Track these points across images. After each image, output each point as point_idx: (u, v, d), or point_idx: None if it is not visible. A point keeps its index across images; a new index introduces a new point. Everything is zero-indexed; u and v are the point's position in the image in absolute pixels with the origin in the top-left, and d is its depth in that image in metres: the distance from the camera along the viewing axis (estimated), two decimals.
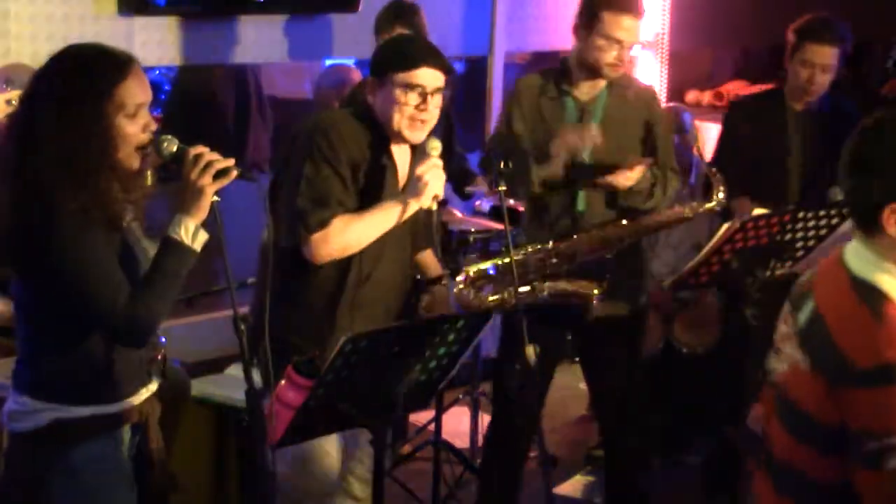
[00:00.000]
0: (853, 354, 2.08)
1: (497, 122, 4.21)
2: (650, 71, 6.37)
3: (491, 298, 3.86)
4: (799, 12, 4.55)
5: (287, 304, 3.35)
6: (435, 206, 3.34)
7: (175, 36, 4.96)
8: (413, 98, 3.32)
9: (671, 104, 5.85)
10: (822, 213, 3.76)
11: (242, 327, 2.79)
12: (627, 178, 3.91)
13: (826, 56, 4.37)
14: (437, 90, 3.35)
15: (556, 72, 4.05)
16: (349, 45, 5.48)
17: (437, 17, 5.47)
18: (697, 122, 5.70)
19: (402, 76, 3.33)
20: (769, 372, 2.36)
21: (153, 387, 3.01)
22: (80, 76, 2.72)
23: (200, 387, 4.14)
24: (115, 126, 2.73)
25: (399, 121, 3.34)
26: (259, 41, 5.17)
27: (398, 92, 3.32)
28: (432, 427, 4.84)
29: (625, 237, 3.97)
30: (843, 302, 2.17)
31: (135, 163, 2.81)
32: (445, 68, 3.39)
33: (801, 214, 3.74)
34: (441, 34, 5.50)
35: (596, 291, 3.91)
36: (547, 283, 3.90)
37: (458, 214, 4.94)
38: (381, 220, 3.33)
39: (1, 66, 4.29)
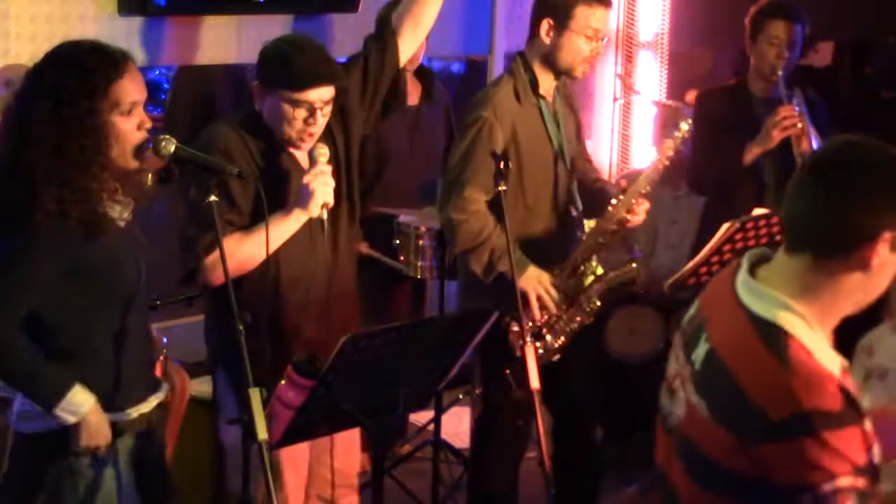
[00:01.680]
0: (765, 405, 1.87)
1: (464, 144, 3.91)
2: (650, 71, 6.37)
3: (558, 344, 3.92)
4: None
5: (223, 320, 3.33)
6: (325, 216, 3.24)
7: (175, 36, 4.95)
8: (301, 114, 3.26)
9: (670, 101, 5.84)
10: None
11: (241, 327, 2.80)
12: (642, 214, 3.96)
13: (791, 31, 4.49)
14: (327, 103, 3.29)
15: (525, 76, 3.93)
16: (349, 45, 5.46)
17: (437, 17, 5.47)
18: None
19: (289, 94, 3.25)
20: (664, 412, 2.21)
21: (160, 395, 3.00)
22: (76, 73, 2.72)
23: (200, 387, 4.14)
24: (109, 124, 2.73)
25: (288, 132, 3.30)
26: (259, 41, 5.13)
27: (286, 107, 3.26)
28: (432, 427, 4.85)
29: (611, 228, 3.96)
30: (744, 345, 1.96)
31: (130, 162, 2.81)
32: (335, 81, 3.29)
33: None
34: (441, 34, 5.50)
35: (634, 265, 3.96)
36: (585, 294, 3.94)
37: None
38: (270, 236, 3.18)
39: (1, 66, 4.29)
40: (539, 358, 3.88)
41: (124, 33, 4.75)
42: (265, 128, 3.33)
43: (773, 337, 1.93)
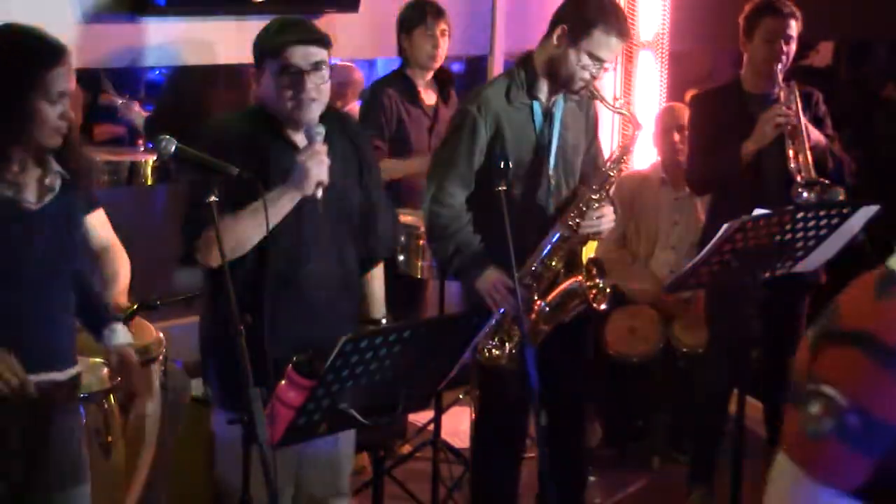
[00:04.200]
0: (842, 314, 2.02)
1: (451, 139, 3.95)
2: (650, 71, 6.36)
3: (501, 351, 3.91)
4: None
5: (214, 313, 3.33)
6: (319, 194, 3.20)
7: (175, 36, 4.95)
8: (287, 80, 3.25)
9: (671, 103, 5.84)
10: (822, 212, 3.76)
11: (241, 327, 2.81)
12: (605, 219, 3.91)
13: (786, 27, 4.52)
14: (315, 66, 3.26)
15: (524, 76, 3.93)
16: (349, 45, 5.48)
17: None
18: None
19: (272, 62, 3.27)
20: None
21: (60, 375, 2.99)
22: (17, 55, 2.85)
23: (200, 387, 4.14)
24: (36, 108, 2.84)
25: (283, 105, 3.28)
26: None
27: (272, 79, 3.27)
28: (432, 427, 4.85)
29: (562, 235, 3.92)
30: (860, 282, 2.09)
31: (52, 141, 2.90)
32: (317, 41, 3.28)
33: (800, 214, 3.74)
34: None
35: (581, 278, 3.88)
36: (542, 301, 3.91)
37: None
38: (263, 216, 3.16)
39: None
40: (498, 363, 3.89)
41: (124, 33, 4.75)
42: (268, 116, 3.33)
43: (888, 278, 2.02)
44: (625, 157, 3.99)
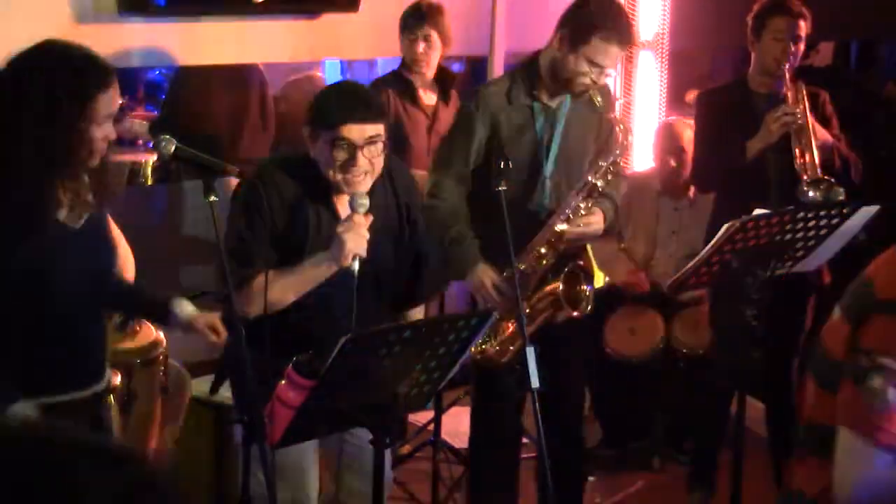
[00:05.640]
0: (879, 286, 2.12)
1: (451, 138, 4.03)
2: (650, 71, 6.36)
3: (490, 346, 3.92)
4: None
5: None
6: (356, 266, 3.19)
7: (175, 36, 4.96)
8: (341, 154, 3.25)
9: (670, 120, 5.82)
10: (822, 213, 3.76)
11: (241, 327, 2.81)
12: (592, 227, 3.93)
13: (795, 26, 4.55)
14: (369, 141, 3.26)
15: (525, 77, 3.96)
16: (349, 45, 5.48)
17: None
18: None
19: (326, 133, 3.26)
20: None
21: (99, 386, 2.99)
22: (72, 77, 2.79)
23: (200, 387, 4.14)
24: (83, 131, 2.80)
25: (333, 175, 3.28)
26: (259, 41, 5.17)
27: (326, 148, 3.26)
28: (432, 427, 4.85)
29: (547, 239, 3.93)
30: (888, 256, 2.20)
31: (93, 161, 2.88)
32: (373, 118, 3.27)
33: (801, 214, 3.74)
34: None
35: (559, 286, 3.89)
36: (526, 303, 3.92)
37: None
38: (300, 282, 3.25)
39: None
40: (491, 359, 3.89)
41: (124, 33, 4.75)
42: (317, 175, 3.32)
43: None
44: (612, 168, 3.97)
